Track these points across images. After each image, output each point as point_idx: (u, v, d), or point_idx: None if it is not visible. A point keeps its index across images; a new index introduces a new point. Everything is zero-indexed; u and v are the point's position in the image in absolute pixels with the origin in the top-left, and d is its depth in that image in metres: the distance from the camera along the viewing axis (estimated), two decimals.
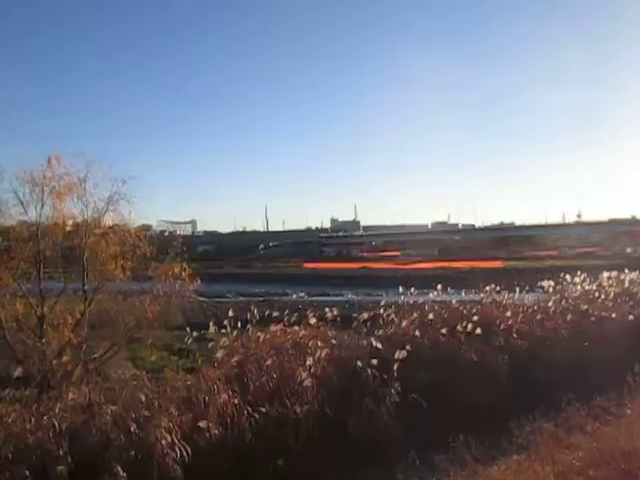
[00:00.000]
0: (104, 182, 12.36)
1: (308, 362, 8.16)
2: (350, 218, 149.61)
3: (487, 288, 12.88)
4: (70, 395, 6.96)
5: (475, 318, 10.46)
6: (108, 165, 12.53)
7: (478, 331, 10.05)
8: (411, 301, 12.03)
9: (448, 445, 7.54)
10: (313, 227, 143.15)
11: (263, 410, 7.39)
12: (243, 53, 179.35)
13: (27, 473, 5.83)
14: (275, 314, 10.08)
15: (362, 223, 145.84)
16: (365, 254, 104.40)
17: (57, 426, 6.37)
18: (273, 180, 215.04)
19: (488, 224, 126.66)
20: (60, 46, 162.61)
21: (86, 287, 12.19)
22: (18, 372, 7.92)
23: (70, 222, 12.77)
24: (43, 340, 10.96)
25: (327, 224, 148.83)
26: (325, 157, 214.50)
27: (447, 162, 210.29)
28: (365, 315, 10.33)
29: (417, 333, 9.80)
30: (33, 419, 6.47)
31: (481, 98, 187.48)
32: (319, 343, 8.84)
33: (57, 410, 6.66)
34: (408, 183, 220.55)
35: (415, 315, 10.60)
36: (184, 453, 6.53)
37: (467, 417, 8.25)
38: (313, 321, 9.58)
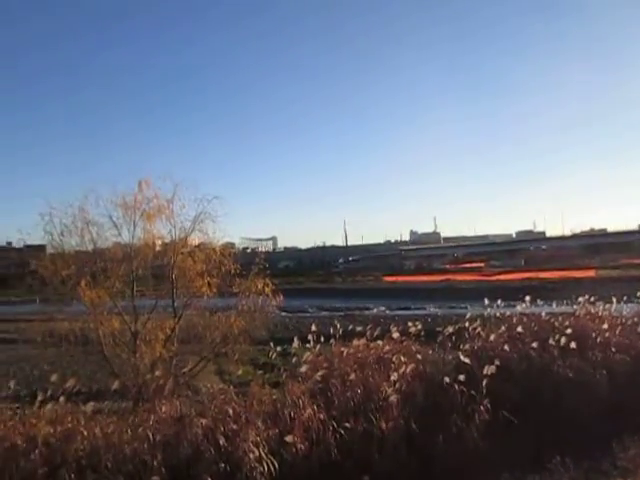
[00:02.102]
0: (190, 202, 12.90)
1: (393, 377, 8.01)
2: (430, 230, 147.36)
3: (580, 299, 12.17)
4: (163, 408, 7.23)
5: (568, 331, 9.90)
6: (193, 186, 13.06)
7: (572, 345, 9.50)
8: (498, 314, 11.58)
9: (544, 466, 7.16)
10: (392, 240, 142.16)
11: (348, 425, 7.33)
12: (316, 70, 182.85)
13: None
14: (358, 329, 10.04)
15: (442, 234, 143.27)
16: (447, 266, 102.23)
17: (151, 438, 6.63)
18: (351, 195, 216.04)
19: (578, 231, 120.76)
20: (142, 72, 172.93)
21: (175, 304, 12.71)
22: (115, 385, 8.33)
23: (159, 242, 13.41)
24: (137, 355, 11.50)
25: (406, 237, 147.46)
26: (403, 170, 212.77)
27: (532, 168, 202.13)
28: (450, 329, 10.03)
29: (506, 347, 9.39)
30: (130, 430, 6.77)
31: (576, 96, 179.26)
32: (403, 358, 8.68)
33: (151, 422, 6.94)
34: (490, 192, 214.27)
35: (503, 328, 10.18)
36: (271, 467, 6.59)
37: (563, 436, 7.80)
38: (396, 335, 9.45)
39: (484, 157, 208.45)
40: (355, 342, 9.21)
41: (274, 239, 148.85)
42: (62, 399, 7.24)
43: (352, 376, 8.10)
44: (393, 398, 7.70)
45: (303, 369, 8.20)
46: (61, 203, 12.27)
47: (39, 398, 7.33)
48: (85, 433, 6.67)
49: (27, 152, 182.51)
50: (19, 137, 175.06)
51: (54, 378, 7.99)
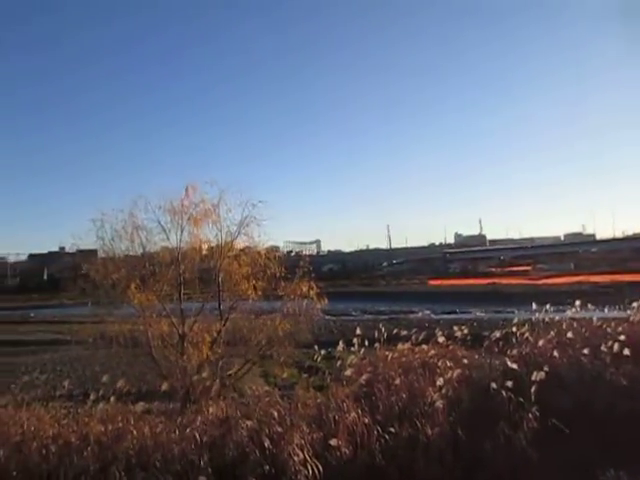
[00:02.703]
0: (235, 206, 13.11)
1: (438, 382, 7.88)
2: (475, 232, 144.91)
3: (634, 304, 11.68)
4: (210, 409, 7.33)
5: (622, 337, 9.50)
6: (239, 190, 13.27)
7: (626, 352, 9.12)
8: (546, 319, 11.25)
9: (597, 479, 6.88)
10: (436, 243, 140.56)
11: (392, 430, 7.25)
12: (360, 76, 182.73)
13: None
14: (403, 332, 9.95)
15: (488, 237, 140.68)
16: (493, 269, 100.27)
17: (198, 438, 6.74)
18: (395, 198, 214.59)
19: (630, 233, 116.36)
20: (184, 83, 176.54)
21: (221, 307, 12.90)
22: (164, 387, 8.51)
23: (205, 246, 13.66)
24: (184, 357, 11.72)
25: (451, 239, 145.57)
26: (447, 171, 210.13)
27: (581, 169, 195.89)
28: (497, 333, 9.80)
29: (555, 353, 9.10)
30: (177, 431, 6.90)
31: (624, 97, 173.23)
32: (449, 363, 8.54)
33: (198, 423, 7.05)
34: (537, 193, 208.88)
35: (552, 334, 9.89)
36: (315, 471, 6.58)
37: (617, 449, 7.46)
38: (442, 340, 9.31)
39: (531, 158, 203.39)
40: (400, 346, 9.12)
41: (318, 242, 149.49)
42: (113, 399, 7.44)
43: (397, 380, 8.02)
44: (439, 403, 7.57)
45: (348, 373, 8.18)
46: (112, 209, 12.67)
47: (91, 397, 7.57)
48: (135, 432, 6.83)
49: (79, 161, 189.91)
50: (70, 147, 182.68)
51: (105, 379, 8.23)
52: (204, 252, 13.52)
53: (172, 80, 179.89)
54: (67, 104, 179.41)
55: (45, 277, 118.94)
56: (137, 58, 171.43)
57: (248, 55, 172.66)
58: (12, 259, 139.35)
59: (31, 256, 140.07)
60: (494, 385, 8.00)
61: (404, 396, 7.84)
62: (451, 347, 9.32)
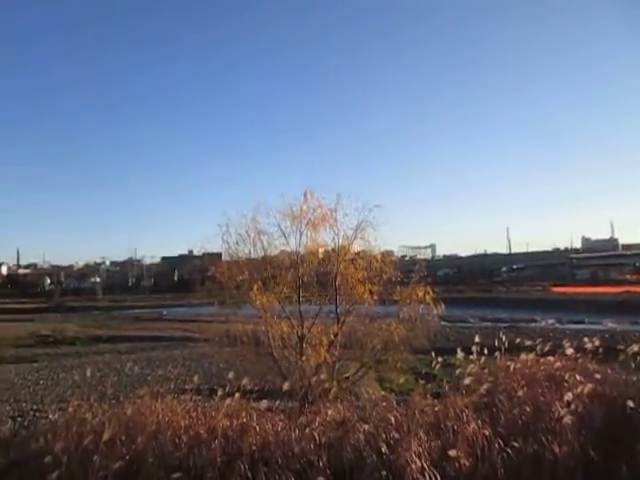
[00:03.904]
0: (352, 211, 13.25)
1: (566, 397, 7.42)
2: (606, 236, 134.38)
3: None
4: (329, 411, 7.48)
5: None
6: (355, 195, 13.40)
7: None
8: None
9: None
10: (561, 248, 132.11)
11: (516, 445, 6.93)
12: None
13: (293, 479, 6.42)
14: (526, 342, 9.50)
15: (621, 241, 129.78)
16: (627, 277, 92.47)
17: (317, 439, 6.90)
18: (514, 199, 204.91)
19: None
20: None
21: (338, 310, 13.11)
22: (286, 386, 8.81)
23: (322, 250, 13.94)
24: (303, 358, 12.06)
25: (578, 244, 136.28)
26: (572, 168, 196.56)
27: None
28: (635, 347, 9.02)
29: None
30: (297, 430, 7.12)
31: None
32: (578, 377, 8.01)
33: (317, 424, 7.22)
34: None
35: None
36: None
37: None
38: (570, 351, 8.76)
39: None
40: (523, 356, 8.72)
41: (433, 246, 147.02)
42: (237, 395, 7.84)
43: (520, 392, 7.68)
44: (567, 420, 7.11)
45: (467, 381, 7.96)
46: (237, 214, 13.36)
47: (219, 393, 8.04)
48: (257, 429, 7.15)
49: (207, 171, 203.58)
50: (200, 159, 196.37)
51: (231, 376, 8.68)
52: (321, 256, 13.79)
53: (296, 89, 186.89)
54: (196, 114, 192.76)
55: (176, 278, 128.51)
56: (269, 70, 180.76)
57: (368, 69, 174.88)
58: (147, 261, 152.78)
59: (164, 259, 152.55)
60: (631, 404, 7.39)
61: (528, 409, 7.47)
62: (580, 360, 8.74)
